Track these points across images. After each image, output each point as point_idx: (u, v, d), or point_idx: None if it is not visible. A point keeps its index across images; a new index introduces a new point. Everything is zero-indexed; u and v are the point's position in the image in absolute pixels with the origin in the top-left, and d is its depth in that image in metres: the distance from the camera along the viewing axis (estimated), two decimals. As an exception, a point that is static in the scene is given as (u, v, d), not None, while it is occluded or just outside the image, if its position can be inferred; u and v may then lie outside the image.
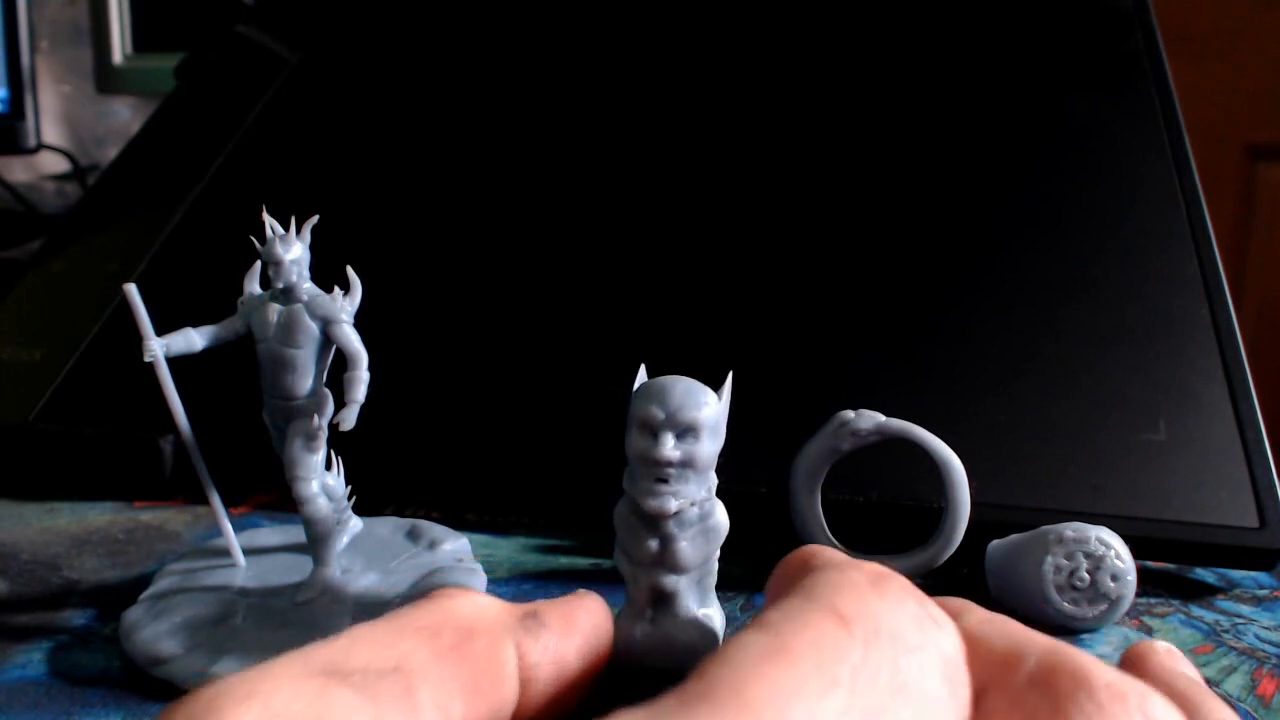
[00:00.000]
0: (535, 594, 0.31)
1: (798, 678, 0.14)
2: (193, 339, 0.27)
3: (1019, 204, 0.42)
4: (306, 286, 0.27)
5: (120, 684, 0.26)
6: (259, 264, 0.28)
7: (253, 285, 0.29)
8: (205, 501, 0.30)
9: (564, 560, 0.33)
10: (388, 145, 0.48)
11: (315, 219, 0.28)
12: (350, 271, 0.28)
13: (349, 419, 0.27)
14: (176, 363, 0.28)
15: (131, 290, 0.27)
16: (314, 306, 0.27)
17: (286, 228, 0.27)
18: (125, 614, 0.28)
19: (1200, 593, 0.33)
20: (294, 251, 0.27)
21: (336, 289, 0.28)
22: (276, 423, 0.29)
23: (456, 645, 0.18)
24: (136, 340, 0.27)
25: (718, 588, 0.26)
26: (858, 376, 0.37)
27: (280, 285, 0.27)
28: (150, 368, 0.27)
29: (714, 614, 0.26)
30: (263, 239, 0.27)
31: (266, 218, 0.27)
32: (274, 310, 0.27)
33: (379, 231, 0.44)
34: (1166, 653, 0.21)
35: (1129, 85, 0.46)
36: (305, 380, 0.28)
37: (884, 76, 0.48)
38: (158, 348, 0.27)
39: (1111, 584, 0.29)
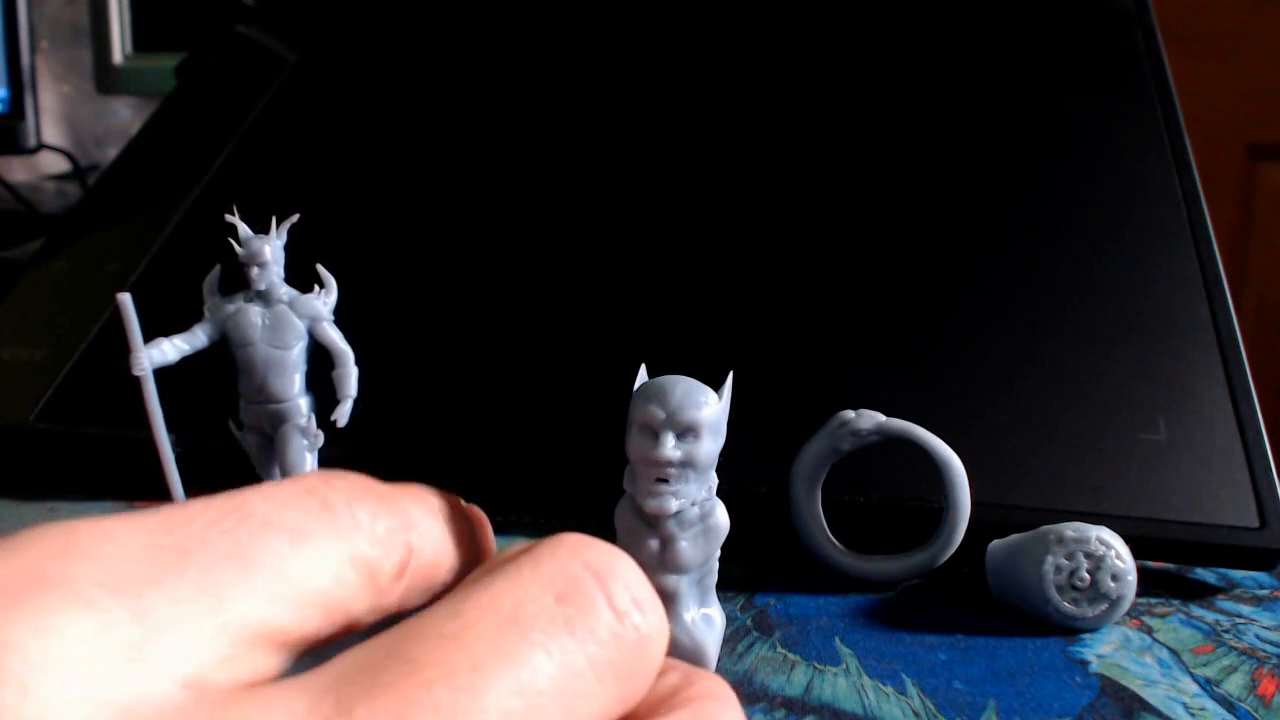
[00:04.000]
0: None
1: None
2: (166, 351, 0.27)
3: (1020, 204, 0.42)
4: (285, 288, 0.27)
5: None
6: (218, 269, 0.28)
7: (215, 291, 0.28)
8: None
9: (564, 560, 0.33)
10: (388, 145, 0.48)
11: (295, 218, 0.28)
12: (321, 269, 0.28)
13: (344, 415, 0.27)
14: (180, 361, 0.27)
15: (125, 301, 0.26)
16: (299, 307, 0.27)
17: (266, 227, 0.27)
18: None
19: (1200, 593, 0.33)
20: (276, 251, 0.27)
21: (317, 288, 0.28)
22: (261, 428, 0.28)
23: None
24: (127, 350, 0.27)
25: (718, 588, 0.26)
26: (858, 376, 0.37)
27: (263, 286, 0.27)
28: (137, 379, 0.27)
29: (714, 614, 0.26)
30: (239, 241, 0.27)
31: (235, 220, 0.27)
32: (256, 313, 0.27)
33: (380, 230, 0.44)
34: None
35: (1129, 85, 0.46)
36: (294, 381, 0.28)
37: (884, 76, 0.48)
38: (147, 361, 0.26)
39: (1112, 584, 0.29)
